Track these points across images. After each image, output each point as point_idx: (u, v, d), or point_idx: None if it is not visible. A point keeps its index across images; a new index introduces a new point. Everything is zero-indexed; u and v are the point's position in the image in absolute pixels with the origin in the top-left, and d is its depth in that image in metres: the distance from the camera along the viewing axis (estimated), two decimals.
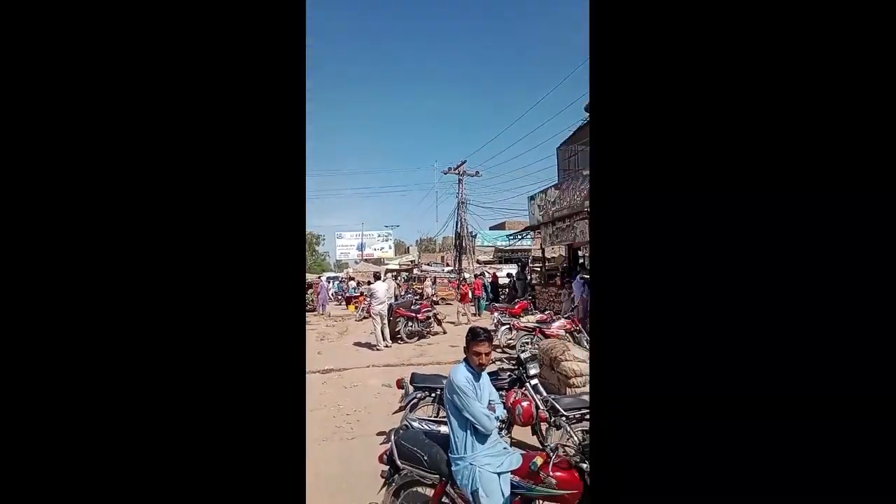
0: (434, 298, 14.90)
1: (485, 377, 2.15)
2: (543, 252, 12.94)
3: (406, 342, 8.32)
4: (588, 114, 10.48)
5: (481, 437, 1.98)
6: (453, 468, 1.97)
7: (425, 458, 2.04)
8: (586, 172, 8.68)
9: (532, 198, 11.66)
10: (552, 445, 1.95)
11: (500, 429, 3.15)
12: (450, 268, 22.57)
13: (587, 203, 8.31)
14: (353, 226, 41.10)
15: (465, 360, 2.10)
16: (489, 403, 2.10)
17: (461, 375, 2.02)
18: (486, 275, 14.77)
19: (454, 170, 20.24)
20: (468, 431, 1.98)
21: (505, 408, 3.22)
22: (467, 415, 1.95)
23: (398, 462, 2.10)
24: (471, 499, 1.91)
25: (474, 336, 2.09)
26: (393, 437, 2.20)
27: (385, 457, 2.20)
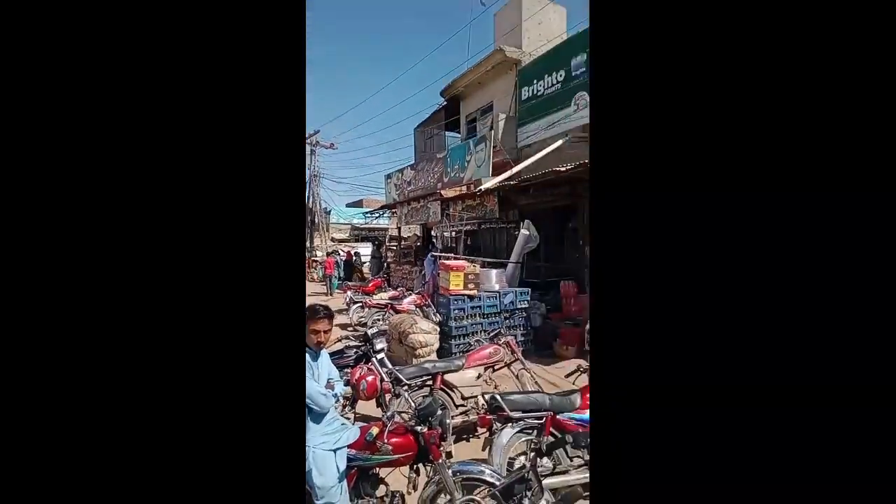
0: None
1: (324, 356, 2.06)
2: (399, 231, 13.18)
3: None
4: (443, 99, 10.93)
5: (317, 416, 1.91)
6: None
7: None
8: (440, 155, 9.09)
9: (389, 176, 11.67)
10: (389, 414, 2.01)
11: (345, 405, 3.11)
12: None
13: (440, 184, 8.75)
14: None
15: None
16: (328, 382, 2.03)
17: None
18: (341, 253, 14.29)
19: (306, 139, 18.67)
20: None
21: (349, 384, 3.19)
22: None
23: None
24: None
25: (313, 313, 1.96)
26: None
27: None
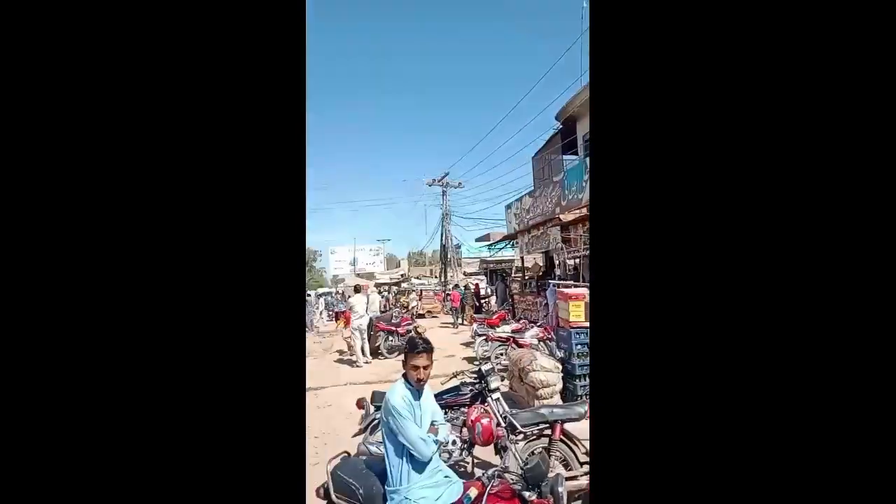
0: (419, 311, 14.74)
1: (427, 395, 1.98)
2: (522, 261, 12.91)
3: (386, 357, 8.13)
4: (558, 122, 10.58)
5: (419, 465, 1.82)
6: (387, 503, 1.83)
7: (360, 491, 1.90)
8: (557, 178, 8.71)
9: (508, 206, 11.68)
10: (489, 473, 1.83)
11: (462, 449, 3.01)
12: (436, 280, 22.41)
13: (559, 209, 8.32)
14: (347, 240, 40.64)
15: (404, 375, 1.92)
16: (431, 425, 1.96)
17: (397, 394, 1.83)
18: (470, 287, 14.69)
19: (437, 181, 20.27)
20: (404, 459, 1.82)
21: (465, 426, 3.08)
22: (402, 439, 1.80)
23: (333, 497, 1.96)
24: None
25: (412, 347, 1.89)
26: (328, 468, 2.06)
27: (322, 490, 2.05)
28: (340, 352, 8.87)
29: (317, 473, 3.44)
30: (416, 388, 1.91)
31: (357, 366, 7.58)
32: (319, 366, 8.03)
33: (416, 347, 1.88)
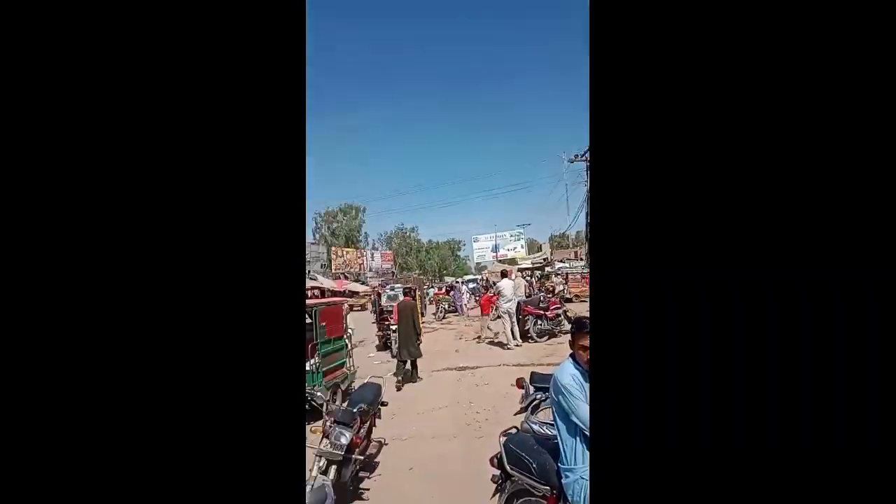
0: (566, 295, 14.15)
1: None
2: None
3: (536, 341, 8.08)
4: None
5: None
6: (563, 480, 1.78)
7: (534, 465, 1.90)
8: None
9: None
10: None
11: None
12: (582, 263, 21.08)
13: None
14: (488, 229, 42.08)
15: (572, 355, 1.86)
16: None
17: (566, 373, 1.79)
18: None
19: (581, 157, 18.89)
20: (578, 438, 1.75)
21: None
22: (575, 419, 1.73)
23: (508, 468, 2.01)
24: None
25: (580, 327, 1.82)
26: (501, 441, 2.12)
27: (496, 460, 2.13)
28: (479, 338, 9.16)
29: (481, 445, 3.65)
30: (585, 369, 1.81)
31: (507, 348, 7.72)
32: (473, 347, 8.49)
33: (585, 327, 1.80)
